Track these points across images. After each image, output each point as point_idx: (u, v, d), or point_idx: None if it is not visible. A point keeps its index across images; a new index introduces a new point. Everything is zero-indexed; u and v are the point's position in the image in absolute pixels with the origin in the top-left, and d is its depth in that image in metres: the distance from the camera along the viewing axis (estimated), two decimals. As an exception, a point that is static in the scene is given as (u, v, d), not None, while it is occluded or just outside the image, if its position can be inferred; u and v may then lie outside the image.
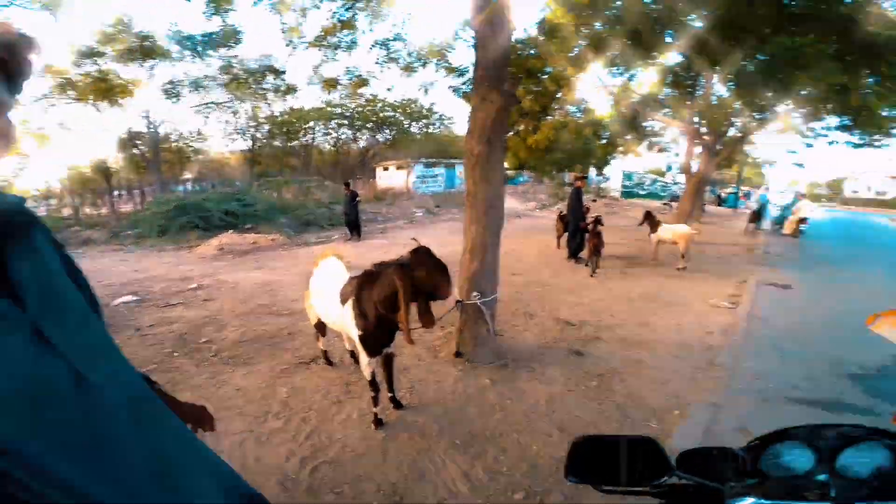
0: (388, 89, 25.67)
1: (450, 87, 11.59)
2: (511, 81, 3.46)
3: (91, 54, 16.43)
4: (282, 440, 2.52)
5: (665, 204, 20.02)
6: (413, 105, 26.08)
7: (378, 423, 2.60)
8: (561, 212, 8.76)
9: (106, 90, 17.33)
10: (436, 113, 26.68)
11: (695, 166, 14.37)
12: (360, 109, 26.19)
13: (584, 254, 6.90)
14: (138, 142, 21.13)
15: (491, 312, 3.41)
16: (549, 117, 14.11)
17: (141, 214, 12.74)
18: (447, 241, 9.81)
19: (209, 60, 18.56)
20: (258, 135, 25.13)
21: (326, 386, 3.14)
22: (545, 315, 4.61)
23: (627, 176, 23.97)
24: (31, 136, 18.40)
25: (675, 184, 24.40)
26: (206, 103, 21.89)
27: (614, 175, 27.60)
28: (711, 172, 15.26)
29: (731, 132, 13.63)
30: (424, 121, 26.84)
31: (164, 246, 10.03)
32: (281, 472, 2.24)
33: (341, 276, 2.73)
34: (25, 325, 0.62)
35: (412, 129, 27.12)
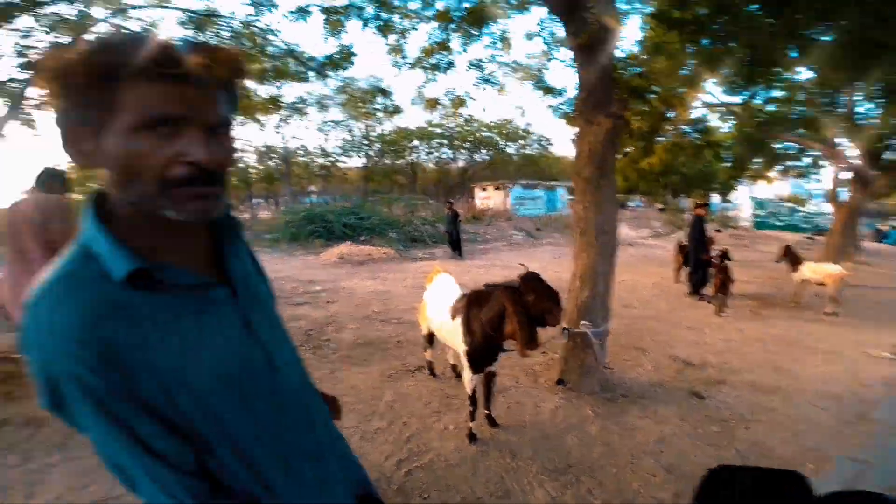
0: (483, 110, 26.24)
1: (548, 107, 11.47)
2: (619, 103, 3.34)
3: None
4: (384, 440, 2.70)
5: (808, 238, 17.27)
6: (508, 126, 26.25)
7: (472, 437, 2.65)
8: (680, 242, 8.11)
9: (249, 107, 20.25)
10: (532, 134, 26.55)
11: (844, 195, 12.27)
12: (458, 129, 27.06)
13: (709, 290, 6.27)
14: (273, 155, 24.22)
15: (601, 342, 3.30)
16: (661, 138, 13.17)
17: (275, 222, 14.63)
18: (549, 265, 9.66)
19: (328, 81, 20.85)
20: (371, 152, 27.26)
21: (428, 395, 3.27)
22: (660, 352, 4.31)
23: (759, 204, 21.15)
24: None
25: (820, 215, 21.01)
26: (327, 121, 24.46)
27: (743, 202, 24.64)
28: (866, 202, 12.87)
29: (890, 155, 11.36)
30: (521, 142, 26.85)
31: (294, 251, 11.42)
32: (379, 470, 2.39)
33: (453, 293, 2.86)
34: (238, 314, 0.70)
35: (508, 150, 27.25)
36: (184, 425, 0.61)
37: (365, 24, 5.27)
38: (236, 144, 0.68)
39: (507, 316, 2.18)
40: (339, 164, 27.78)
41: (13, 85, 4.37)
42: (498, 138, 27.26)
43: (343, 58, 5.67)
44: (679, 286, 7.43)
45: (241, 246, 0.77)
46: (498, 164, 26.99)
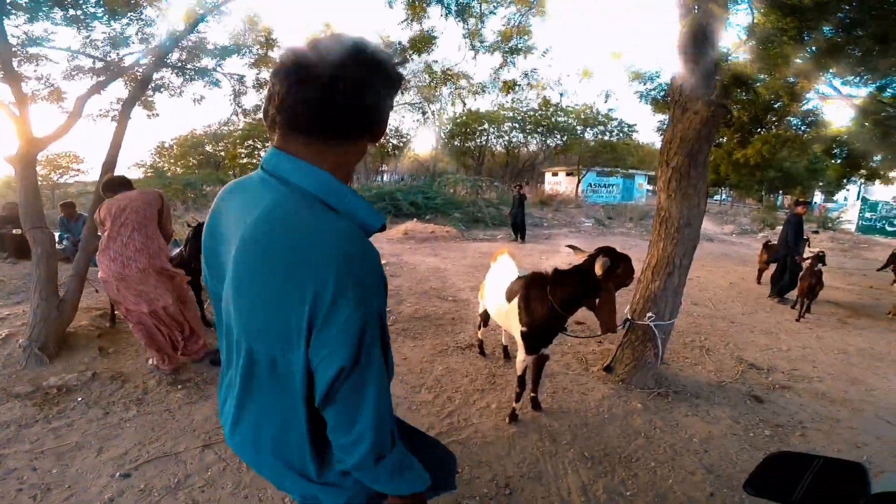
0: (561, 94, 25.00)
1: (636, 93, 10.78)
2: (720, 91, 3.13)
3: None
4: (427, 412, 2.81)
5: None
6: (588, 111, 24.98)
7: (513, 417, 2.69)
8: (767, 241, 7.40)
9: None
10: (614, 119, 24.99)
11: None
12: (531, 113, 26.28)
13: (794, 293, 5.71)
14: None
15: (664, 337, 3.19)
16: (762, 130, 11.83)
17: (349, 198, 15.44)
18: (616, 255, 9.31)
19: (409, 64, 21.28)
20: (441, 134, 27.50)
21: (475, 373, 3.35)
22: (725, 353, 4.07)
23: (871, 206, 18.39)
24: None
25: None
26: (401, 103, 24.98)
27: (851, 203, 21.59)
28: None
29: None
30: (601, 127, 25.45)
31: (363, 226, 12.03)
32: None
33: (511, 274, 2.87)
34: None
35: (586, 136, 25.98)
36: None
37: (448, 12, 5.32)
38: None
39: (603, 292, 2.21)
40: (411, 145, 28.45)
41: (138, 69, 5.01)
42: (575, 123, 26.16)
43: (425, 41, 5.80)
44: (760, 288, 6.82)
45: None
46: (572, 149, 25.89)
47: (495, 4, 5.72)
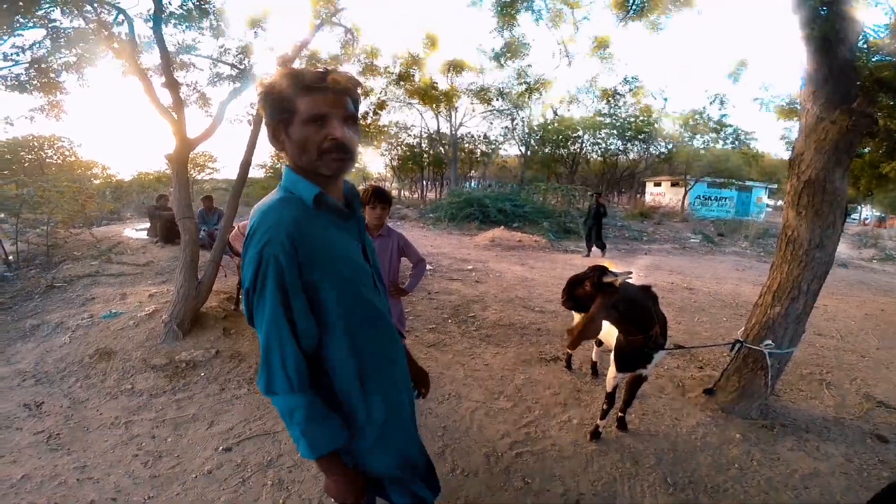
0: (665, 99, 23.03)
1: (755, 99, 9.64)
2: (862, 98, 2.70)
3: (417, 65, 20.58)
4: (504, 419, 2.78)
5: None
6: (697, 117, 22.71)
7: (595, 435, 2.58)
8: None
9: (434, 98, 21.94)
10: (728, 126, 22.38)
11: None
12: (631, 119, 24.63)
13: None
14: (443, 141, 26.00)
15: (779, 366, 2.86)
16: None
17: (439, 202, 15.89)
18: (727, 276, 8.39)
19: (500, 71, 21.31)
20: (532, 141, 27.00)
21: (558, 386, 3.25)
22: (850, 388, 3.49)
23: None
24: (371, 132, 25.08)
25: None
26: (491, 110, 25.01)
27: None
28: None
29: None
30: (712, 134, 23.00)
31: (452, 230, 12.30)
32: (492, 446, 2.49)
33: None
34: (358, 242, 1.07)
35: (694, 143, 23.66)
36: (319, 307, 0.95)
37: (539, 18, 5.27)
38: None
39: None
40: (500, 152, 28.34)
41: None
42: (682, 129, 24.04)
43: (516, 48, 5.80)
44: (911, 325, 5.66)
45: (359, 202, 1.13)
46: (678, 158, 23.77)
47: (588, 11, 5.52)
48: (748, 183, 24.78)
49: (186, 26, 5.16)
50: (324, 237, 0.96)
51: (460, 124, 25.59)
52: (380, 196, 2.50)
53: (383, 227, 2.52)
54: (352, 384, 1.00)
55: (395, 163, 27.50)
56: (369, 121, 8.21)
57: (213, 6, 5.11)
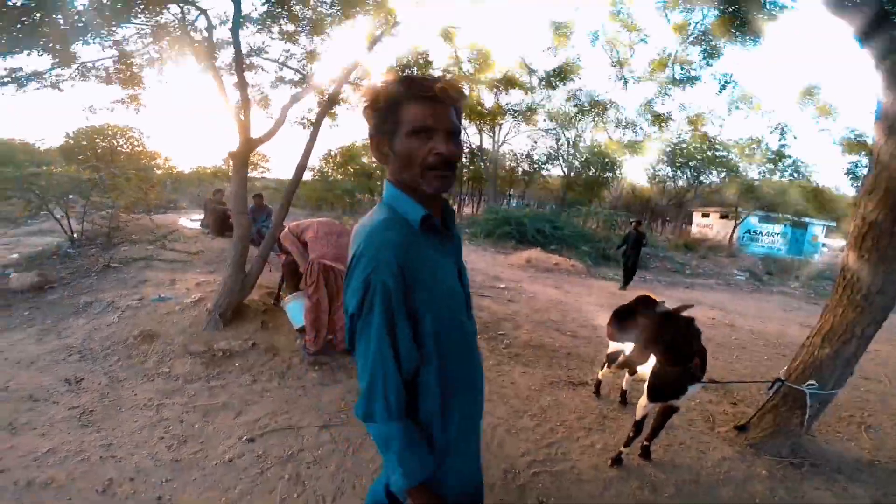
0: (720, 126, 22.14)
1: (823, 130, 9.14)
2: None
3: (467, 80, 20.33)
4: (525, 438, 2.75)
5: None
6: (754, 145, 21.66)
7: (618, 461, 2.54)
8: None
9: (480, 114, 22.16)
10: (787, 157, 21.21)
11: None
12: (683, 145, 23.81)
13: None
14: (485, 157, 26.05)
15: (819, 407, 2.78)
16: None
17: (475, 218, 15.93)
18: (772, 315, 7.94)
19: (550, 92, 21.18)
20: (576, 163, 26.60)
21: (584, 411, 3.20)
22: (892, 433, 3.30)
23: None
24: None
25: None
26: (536, 129, 24.87)
27: None
28: None
29: None
30: (769, 165, 21.86)
31: (487, 247, 12.27)
32: (510, 463, 2.47)
33: None
34: (454, 263, 1.04)
35: (749, 174, 22.55)
36: (419, 334, 0.91)
37: (595, 38, 5.26)
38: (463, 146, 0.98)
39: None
40: (542, 172, 28.08)
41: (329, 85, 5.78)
42: (737, 159, 23.02)
43: (569, 70, 5.80)
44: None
45: (454, 221, 1.08)
46: (730, 188, 22.70)
47: (645, 35, 5.46)
48: (804, 219, 23.36)
49: (258, 29, 5.44)
50: (427, 261, 0.92)
51: (503, 141, 25.59)
52: None
53: None
54: (435, 410, 0.95)
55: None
56: None
57: (286, 13, 5.36)
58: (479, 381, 1.08)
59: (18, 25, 3.50)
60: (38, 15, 3.68)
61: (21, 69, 4.53)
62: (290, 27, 5.56)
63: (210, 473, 2.22)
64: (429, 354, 0.92)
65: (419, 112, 0.88)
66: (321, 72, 6.29)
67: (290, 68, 6.14)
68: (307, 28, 5.58)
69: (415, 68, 7.14)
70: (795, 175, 21.47)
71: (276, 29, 5.54)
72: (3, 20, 3.49)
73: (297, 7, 5.28)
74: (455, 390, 0.97)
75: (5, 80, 4.15)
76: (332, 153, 27.20)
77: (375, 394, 0.88)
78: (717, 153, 23.37)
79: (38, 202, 6.47)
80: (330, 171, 27.47)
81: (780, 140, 20.83)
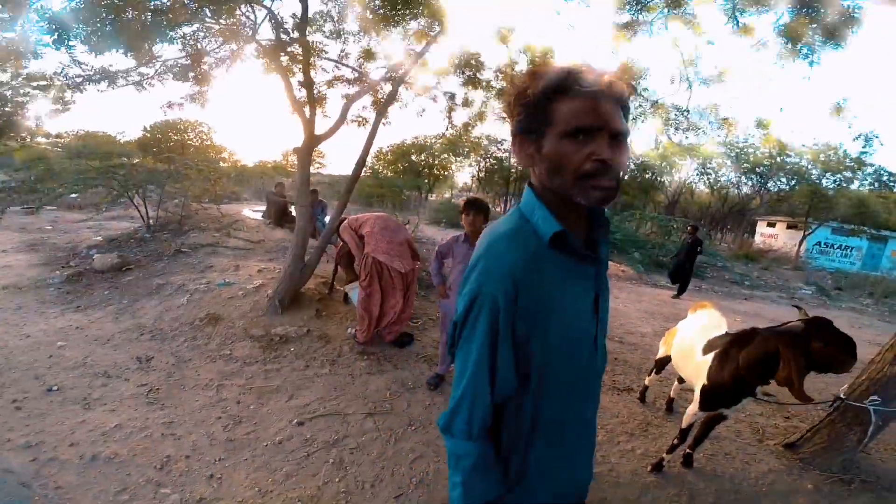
0: (792, 131, 20.43)
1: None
2: None
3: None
4: None
5: None
6: (830, 152, 19.85)
7: (658, 467, 2.50)
8: None
9: None
10: (868, 165, 19.27)
11: None
12: (748, 151, 22.24)
13: None
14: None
15: (881, 424, 2.62)
16: None
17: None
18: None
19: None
20: (632, 165, 25.59)
21: (627, 416, 3.15)
22: None
23: None
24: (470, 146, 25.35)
25: None
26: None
27: None
28: None
29: None
30: (847, 173, 19.98)
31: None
32: None
33: (717, 328, 2.65)
34: (593, 290, 0.86)
35: (823, 182, 20.70)
36: (523, 362, 0.80)
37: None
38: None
39: (783, 361, 1.96)
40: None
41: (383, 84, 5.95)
42: (809, 166, 21.25)
43: (631, 72, 5.61)
44: None
45: (607, 238, 0.91)
46: (801, 197, 21.00)
47: (712, 36, 5.18)
48: (884, 233, 21.21)
49: (317, 28, 5.66)
50: (551, 284, 0.78)
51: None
52: (471, 203, 2.67)
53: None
54: (519, 439, 0.85)
55: (481, 174, 27.72)
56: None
57: (349, 14, 5.53)
58: (585, 415, 0.93)
59: (107, 26, 3.82)
60: (126, 14, 3.99)
61: (112, 65, 4.95)
62: (353, 27, 5.73)
63: (260, 454, 2.33)
64: (529, 388, 0.82)
65: (578, 109, 0.73)
66: (377, 71, 6.44)
67: (348, 66, 6.33)
68: (364, 28, 5.72)
69: (467, 69, 7.13)
70: (877, 185, 19.55)
71: (337, 28, 5.72)
72: (96, 20, 3.84)
73: (358, 9, 5.44)
74: (547, 426, 0.85)
75: (96, 77, 4.57)
76: (384, 150, 27.85)
77: (461, 410, 0.81)
78: (788, 159, 21.70)
79: (119, 190, 7.09)
80: (381, 167, 28.15)
81: (863, 147, 19.02)
